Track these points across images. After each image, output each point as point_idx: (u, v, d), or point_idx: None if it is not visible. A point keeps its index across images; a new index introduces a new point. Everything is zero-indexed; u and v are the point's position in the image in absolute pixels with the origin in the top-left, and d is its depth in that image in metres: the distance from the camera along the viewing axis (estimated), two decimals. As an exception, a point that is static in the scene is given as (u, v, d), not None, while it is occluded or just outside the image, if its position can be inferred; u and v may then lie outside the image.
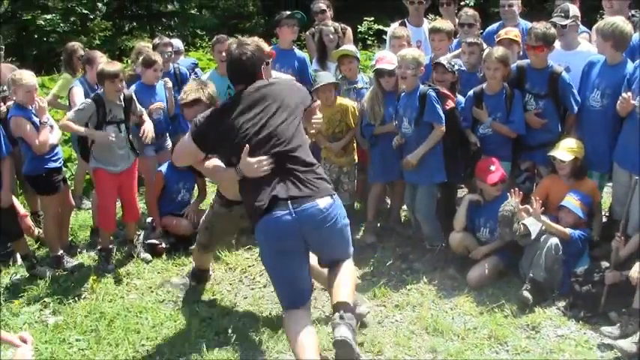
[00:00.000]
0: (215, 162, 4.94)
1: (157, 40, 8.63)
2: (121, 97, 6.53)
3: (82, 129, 6.37)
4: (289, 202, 4.39)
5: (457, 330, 5.31)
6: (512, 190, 5.98)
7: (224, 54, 6.47)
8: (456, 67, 6.56)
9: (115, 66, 6.50)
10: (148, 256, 6.89)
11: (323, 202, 4.46)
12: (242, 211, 5.14)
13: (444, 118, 6.18)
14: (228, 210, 5.53)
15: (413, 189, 6.52)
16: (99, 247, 6.94)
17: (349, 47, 7.54)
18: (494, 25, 7.78)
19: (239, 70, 4.78)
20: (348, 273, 4.66)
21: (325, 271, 4.78)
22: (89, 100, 6.44)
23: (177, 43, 9.16)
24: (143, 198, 7.82)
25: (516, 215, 5.84)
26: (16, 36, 21.12)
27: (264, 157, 4.46)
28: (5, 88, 6.98)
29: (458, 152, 6.42)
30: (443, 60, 6.58)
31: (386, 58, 6.74)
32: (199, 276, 6.29)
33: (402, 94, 6.48)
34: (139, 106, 6.84)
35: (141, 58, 7.54)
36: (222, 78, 6.95)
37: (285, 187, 4.43)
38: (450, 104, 6.29)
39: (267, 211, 4.41)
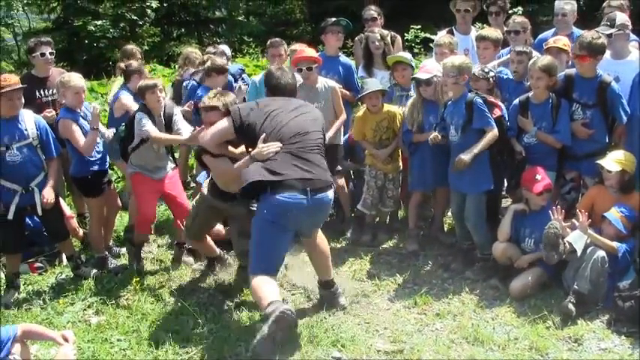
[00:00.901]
0: (222, 162, 5.65)
1: (211, 49, 8.73)
2: (162, 113, 6.59)
3: (178, 137, 6.52)
4: (308, 188, 5.11)
5: (498, 340, 5.25)
6: (552, 207, 5.88)
7: (278, 57, 7.25)
8: (491, 74, 6.51)
9: (153, 80, 6.67)
10: (191, 260, 6.95)
11: (331, 194, 5.38)
12: (217, 205, 6.01)
13: (494, 123, 6.13)
14: (212, 199, 6.04)
15: (459, 197, 6.46)
16: (131, 242, 7.04)
17: (404, 55, 7.51)
18: (548, 33, 7.67)
19: (273, 85, 5.67)
20: (327, 250, 5.77)
21: None
22: (141, 112, 6.47)
23: (225, 49, 9.26)
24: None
25: (560, 235, 5.74)
26: (68, 41, 21.55)
27: (272, 143, 5.20)
28: (55, 91, 7.11)
29: (505, 161, 6.36)
30: (475, 68, 6.53)
31: (425, 67, 6.74)
32: (212, 264, 6.59)
33: (449, 102, 6.44)
34: (185, 128, 6.60)
35: (208, 65, 7.55)
36: None
37: (305, 174, 5.15)
38: (497, 112, 6.23)
39: (284, 190, 5.07)
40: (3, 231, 6.46)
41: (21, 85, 6.30)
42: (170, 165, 6.86)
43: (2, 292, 6.51)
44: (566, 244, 5.67)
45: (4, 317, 5.92)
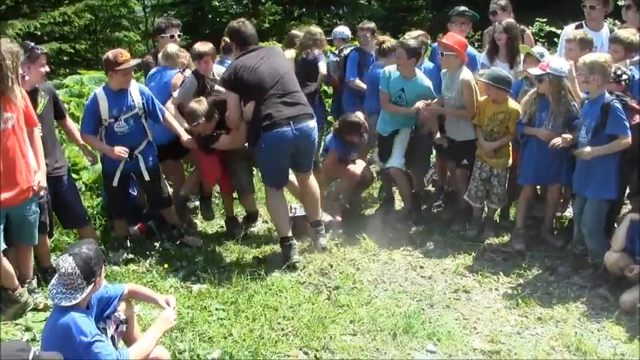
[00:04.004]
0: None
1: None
2: (214, 73, 7.18)
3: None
4: (291, 122, 6.31)
5: (602, 353, 5.02)
6: None
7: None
8: (624, 77, 6.16)
9: (206, 46, 7.16)
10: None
11: (312, 123, 6.53)
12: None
13: (629, 131, 5.83)
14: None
15: (582, 201, 6.19)
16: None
17: (537, 49, 7.20)
18: None
19: (242, 37, 6.61)
20: (317, 193, 6.82)
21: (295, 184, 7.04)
22: (192, 76, 7.10)
23: (346, 30, 9.27)
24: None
25: None
26: (192, 15, 22.11)
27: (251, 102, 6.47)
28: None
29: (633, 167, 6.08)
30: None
31: (541, 63, 6.45)
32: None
33: (586, 101, 6.20)
34: None
35: (388, 45, 7.83)
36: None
37: (289, 111, 6.35)
38: (637, 119, 5.93)
39: (273, 128, 6.28)
40: (108, 197, 6.81)
41: (137, 61, 6.62)
42: None
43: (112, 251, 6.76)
44: None
45: (112, 275, 6.14)
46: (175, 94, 7.07)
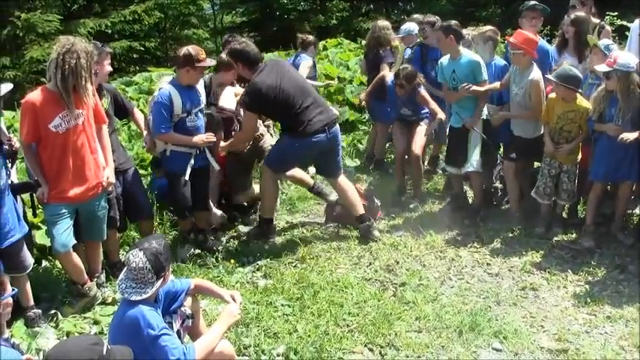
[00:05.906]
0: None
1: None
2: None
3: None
4: (327, 128, 6.68)
5: (674, 354, 4.91)
6: None
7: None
8: None
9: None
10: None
11: (337, 127, 6.95)
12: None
13: None
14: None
15: None
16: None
17: (604, 42, 7.02)
18: None
19: (248, 57, 6.67)
20: (354, 191, 7.15)
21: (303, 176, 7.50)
22: (209, 80, 7.27)
23: (414, 26, 9.22)
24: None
25: None
26: (260, 12, 22.28)
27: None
28: None
29: None
30: None
31: (608, 59, 6.29)
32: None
33: None
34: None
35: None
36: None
37: (323, 119, 6.68)
38: None
39: (315, 134, 6.62)
40: (175, 197, 6.65)
41: (213, 62, 6.87)
42: None
43: (178, 247, 6.79)
44: None
45: (179, 270, 6.26)
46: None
